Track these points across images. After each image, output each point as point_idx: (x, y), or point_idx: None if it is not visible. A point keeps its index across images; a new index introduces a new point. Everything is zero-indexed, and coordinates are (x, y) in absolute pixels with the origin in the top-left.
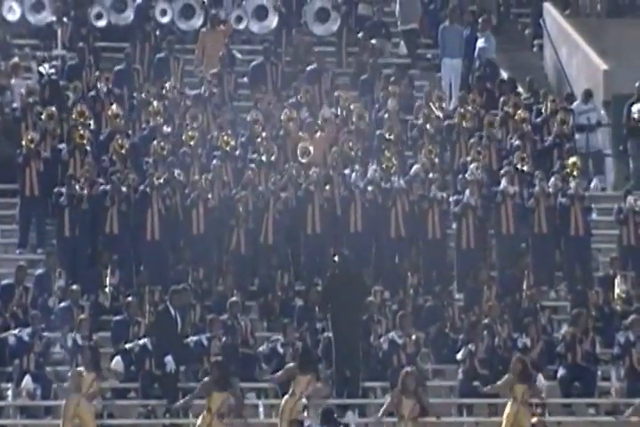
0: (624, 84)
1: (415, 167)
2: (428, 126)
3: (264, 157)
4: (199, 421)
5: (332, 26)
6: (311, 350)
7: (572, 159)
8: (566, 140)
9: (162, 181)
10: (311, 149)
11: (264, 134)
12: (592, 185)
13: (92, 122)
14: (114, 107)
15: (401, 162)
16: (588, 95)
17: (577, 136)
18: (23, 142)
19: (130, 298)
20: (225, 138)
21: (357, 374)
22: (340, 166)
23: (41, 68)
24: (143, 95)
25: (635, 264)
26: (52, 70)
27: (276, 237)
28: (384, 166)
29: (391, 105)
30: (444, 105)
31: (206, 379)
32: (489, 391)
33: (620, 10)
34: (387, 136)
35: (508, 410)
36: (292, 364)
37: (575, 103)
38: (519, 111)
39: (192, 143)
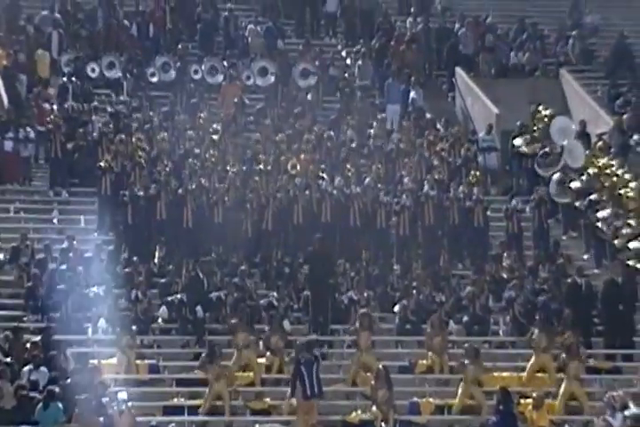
0: (509, 124)
1: (368, 179)
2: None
3: (263, 169)
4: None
5: (311, 81)
6: None
7: (476, 173)
8: (470, 161)
9: (194, 186)
10: (297, 165)
11: (263, 156)
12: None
13: (146, 146)
14: (164, 134)
15: (358, 175)
16: (490, 128)
17: (479, 158)
18: (101, 163)
19: (171, 266)
20: (235, 157)
21: (327, 320)
22: (316, 177)
23: (112, 109)
24: (181, 128)
25: (516, 246)
26: (122, 110)
27: (273, 225)
28: (346, 177)
29: (350, 135)
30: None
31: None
32: None
33: (506, 72)
34: (347, 156)
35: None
36: None
37: (481, 134)
38: (439, 144)
39: (213, 160)
